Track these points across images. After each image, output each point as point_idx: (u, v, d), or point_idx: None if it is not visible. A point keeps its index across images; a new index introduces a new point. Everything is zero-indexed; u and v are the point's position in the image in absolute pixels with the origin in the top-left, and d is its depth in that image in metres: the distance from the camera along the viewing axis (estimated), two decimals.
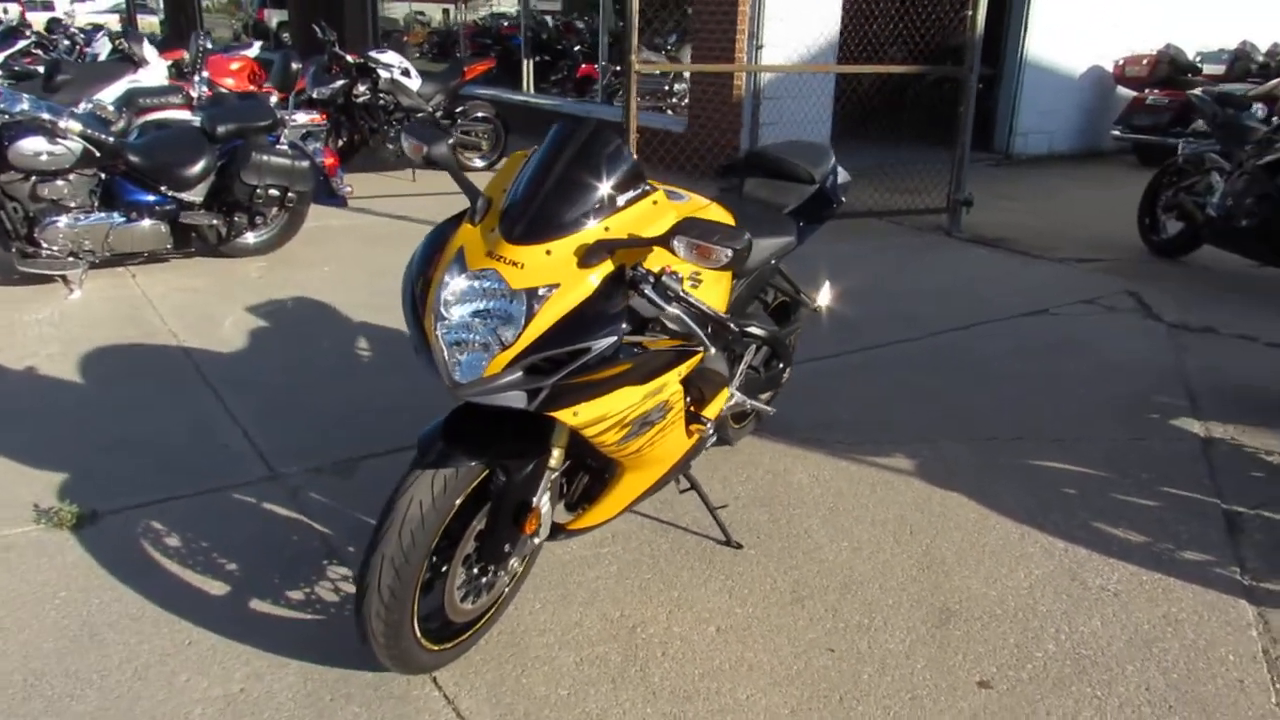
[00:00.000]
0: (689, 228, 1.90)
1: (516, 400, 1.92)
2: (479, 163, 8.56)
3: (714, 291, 2.28)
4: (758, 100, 8.32)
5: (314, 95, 7.86)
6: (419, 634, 2.11)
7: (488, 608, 2.34)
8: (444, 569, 2.14)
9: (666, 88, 10.23)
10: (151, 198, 5.18)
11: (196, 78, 7.65)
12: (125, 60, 7.67)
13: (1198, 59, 10.50)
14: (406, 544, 1.97)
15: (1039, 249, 6.52)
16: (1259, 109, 5.83)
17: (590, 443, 2.08)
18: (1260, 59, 10.37)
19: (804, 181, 3.10)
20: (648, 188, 2.11)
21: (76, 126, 4.88)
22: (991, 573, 2.73)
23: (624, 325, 1.93)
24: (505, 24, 13.05)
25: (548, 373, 1.90)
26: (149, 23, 19.71)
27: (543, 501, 2.13)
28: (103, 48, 9.04)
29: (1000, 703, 2.23)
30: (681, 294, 1.93)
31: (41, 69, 7.93)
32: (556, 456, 2.12)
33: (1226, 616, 2.56)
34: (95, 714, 2.11)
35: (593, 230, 1.97)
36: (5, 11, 17.42)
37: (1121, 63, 10.55)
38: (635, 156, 2.15)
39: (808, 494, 3.15)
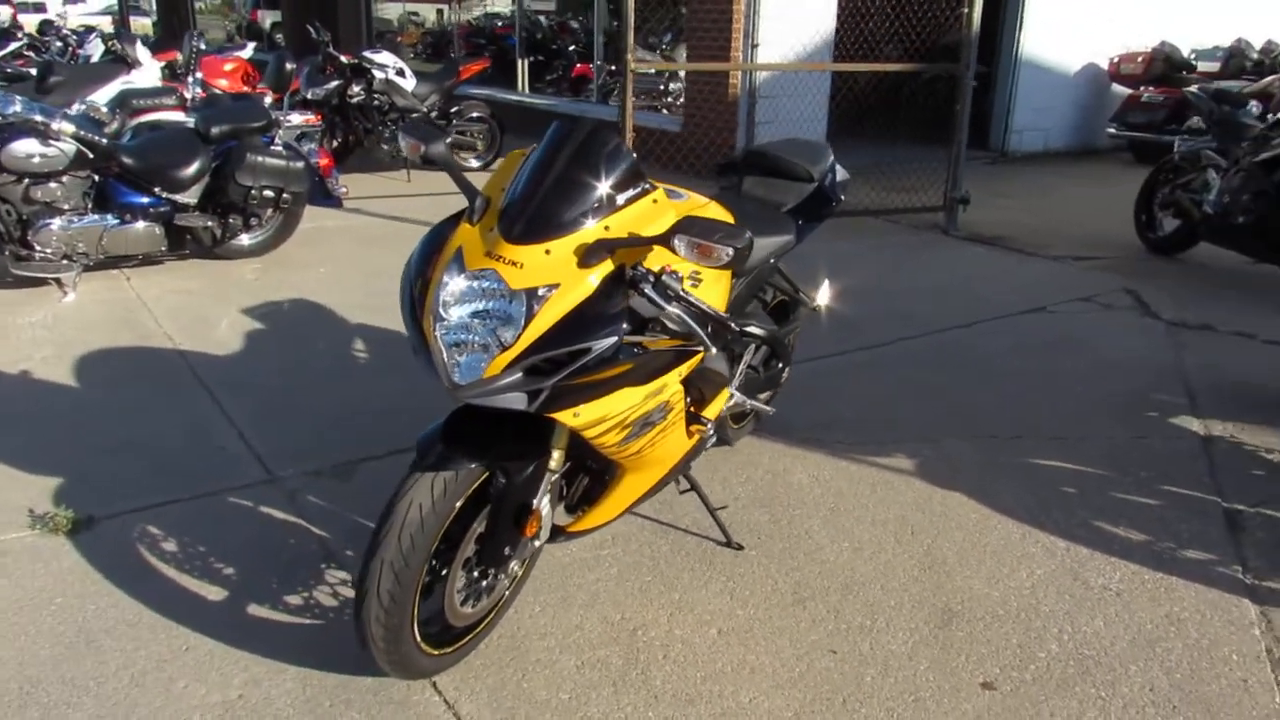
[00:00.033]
0: (689, 226, 1.88)
1: (516, 401, 1.90)
2: (474, 163, 8.54)
3: (714, 291, 2.27)
4: (753, 99, 8.31)
5: (308, 96, 7.84)
6: (419, 638, 2.10)
7: (488, 611, 2.32)
8: (444, 573, 2.13)
9: (662, 87, 10.22)
10: (145, 200, 5.15)
11: (190, 79, 7.61)
12: (118, 62, 7.63)
13: (1193, 56, 10.52)
14: (406, 548, 1.95)
15: (1035, 247, 6.52)
16: (1254, 106, 5.82)
17: (591, 444, 2.06)
18: (1255, 56, 10.40)
19: (803, 180, 3.09)
20: (647, 186, 2.09)
21: (70, 128, 4.85)
22: (993, 573, 2.72)
23: (624, 325, 1.91)
24: (499, 24, 13.04)
25: (548, 373, 1.89)
26: (142, 24, 19.67)
27: (543, 503, 2.11)
28: (95, 49, 9.02)
29: (1004, 704, 2.22)
30: (682, 293, 1.92)
31: (34, 71, 7.88)
32: (557, 458, 2.11)
33: (1229, 616, 2.55)
34: None
35: (592, 229, 1.96)
36: None
37: (1116, 60, 10.57)
38: (634, 155, 2.13)
39: (808, 494, 3.14)
